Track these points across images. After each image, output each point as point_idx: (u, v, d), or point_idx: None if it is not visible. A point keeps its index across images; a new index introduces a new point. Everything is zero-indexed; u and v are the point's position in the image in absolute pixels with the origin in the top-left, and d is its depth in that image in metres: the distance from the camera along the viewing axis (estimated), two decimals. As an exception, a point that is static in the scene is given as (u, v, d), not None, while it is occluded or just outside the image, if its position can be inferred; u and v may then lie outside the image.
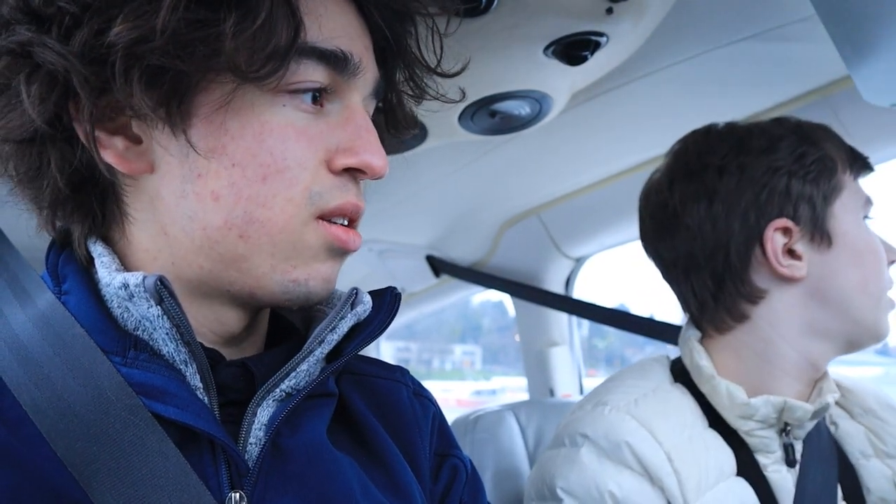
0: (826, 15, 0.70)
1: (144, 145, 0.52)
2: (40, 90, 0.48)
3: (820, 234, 0.86)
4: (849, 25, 0.70)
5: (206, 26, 0.47)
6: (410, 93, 0.63)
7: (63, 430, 0.47)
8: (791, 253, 0.86)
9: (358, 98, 0.56)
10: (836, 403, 0.93)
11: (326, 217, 0.54)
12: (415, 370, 0.74)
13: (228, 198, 0.51)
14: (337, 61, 0.53)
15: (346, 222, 0.56)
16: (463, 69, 0.63)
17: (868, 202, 0.90)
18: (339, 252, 0.56)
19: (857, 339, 0.89)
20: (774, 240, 0.86)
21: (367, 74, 0.56)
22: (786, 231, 0.86)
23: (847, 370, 0.98)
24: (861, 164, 0.91)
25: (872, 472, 0.88)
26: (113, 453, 0.47)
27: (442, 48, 0.61)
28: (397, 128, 0.65)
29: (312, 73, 0.52)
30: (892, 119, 1.06)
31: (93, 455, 0.47)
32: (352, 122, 0.55)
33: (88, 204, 0.55)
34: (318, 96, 0.53)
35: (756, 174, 0.87)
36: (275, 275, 0.53)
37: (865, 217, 0.90)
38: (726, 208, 0.88)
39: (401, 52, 0.60)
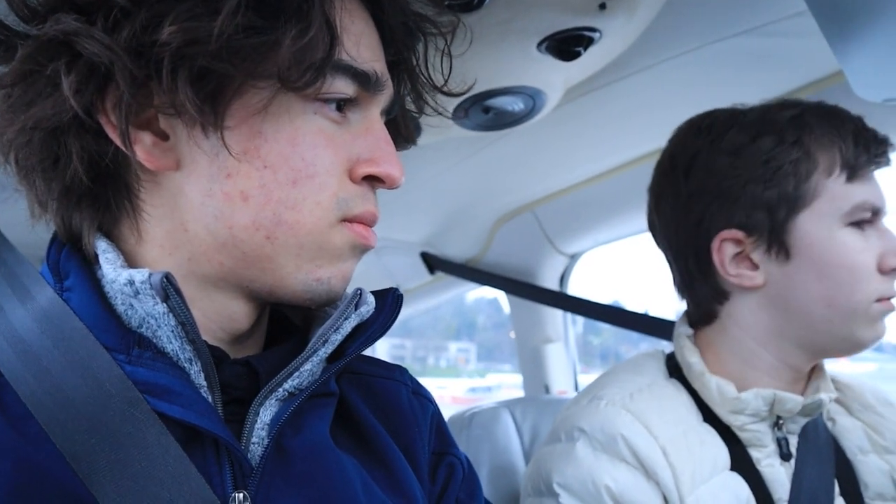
0: (818, 10, 0.70)
1: (171, 142, 0.52)
2: (77, 80, 0.48)
3: (777, 245, 0.83)
4: (840, 21, 0.70)
5: (259, 34, 0.48)
6: (413, 108, 0.66)
7: (62, 421, 0.47)
8: (750, 259, 0.85)
9: (377, 111, 0.58)
10: (835, 400, 0.92)
11: (348, 221, 0.56)
12: (409, 367, 0.74)
13: (258, 199, 0.51)
14: (367, 79, 0.54)
15: None
16: (468, 89, 0.66)
17: (859, 208, 0.82)
18: (361, 250, 0.57)
19: (829, 348, 0.85)
20: (722, 250, 0.85)
21: (388, 90, 0.58)
22: (737, 241, 0.84)
23: (841, 366, 0.98)
24: (864, 162, 0.83)
25: (870, 468, 0.88)
26: (112, 445, 0.47)
27: (451, 68, 0.63)
28: (397, 140, 0.66)
29: (344, 86, 0.54)
30: (883, 114, 1.06)
31: (92, 447, 0.47)
32: (372, 133, 0.56)
33: (103, 198, 0.55)
34: (343, 105, 0.55)
35: (714, 179, 0.85)
36: (299, 274, 0.54)
37: (856, 223, 0.82)
38: (685, 212, 0.88)
39: (408, 70, 0.62)
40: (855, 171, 0.82)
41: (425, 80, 0.63)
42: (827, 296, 0.82)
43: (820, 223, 0.82)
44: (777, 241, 0.83)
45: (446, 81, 0.64)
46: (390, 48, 0.60)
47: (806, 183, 0.82)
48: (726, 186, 0.84)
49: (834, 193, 0.82)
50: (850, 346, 0.84)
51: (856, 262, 0.81)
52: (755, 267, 0.85)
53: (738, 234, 0.84)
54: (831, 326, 0.83)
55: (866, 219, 0.83)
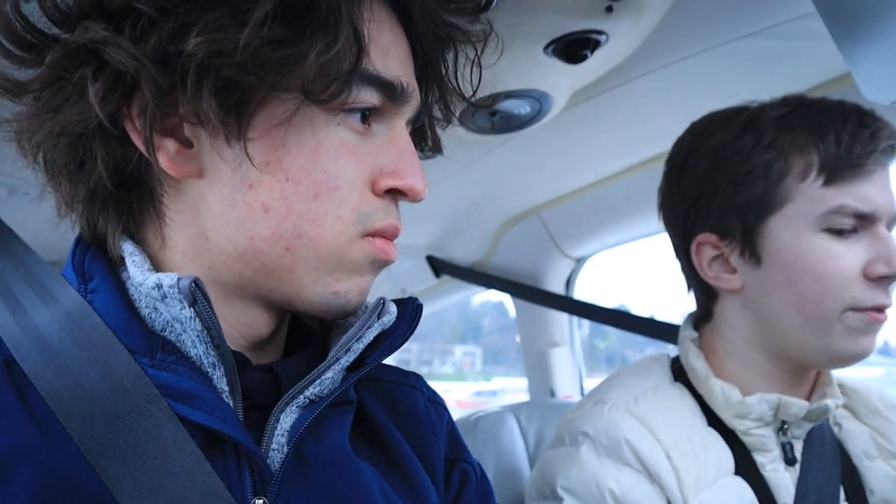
0: (826, 12, 0.69)
1: (195, 150, 0.52)
2: (103, 88, 0.48)
3: (749, 249, 0.82)
4: (849, 22, 0.70)
5: (285, 46, 0.48)
6: (439, 116, 0.65)
7: (79, 415, 0.48)
8: (729, 262, 0.85)
9: (402, 122, 0.57)
10: (842, 404, 0.91)
11: (370, 235, 0.55)
12: (415, 371, 0.75)
13: (279, 210, 0.51)
14: (393, 89, 0.54)
15: None
16: (496, 99, 0.64)
17: (834, 213, 0.77)
18: (381, 265, 0.57)
19: (806, 358, 0.83)
20: (701, 252, 0.86)
21: (414, 101, 0.57)
22: (714, 245, 0.85)
23: (847, 370, 0.97)
24: (846, 165, 0.77)
25: (876, 473, 0.87)
26: (129, 440, 0.47)
27: (480, 78, 0.62)
28: (423, 150, 0.67)
29: (369, 96, 0.53)
30: (893, 117, 1.06)
31: (109, 441, 0.47)
32: (396, 145, 0.56)
33: (127, 202, 0.55)
34: (368, 115, 0.54)
35: (696, 182, 0.85)
36: (317, 287, 0.54)
37: (835, 230, 0.78)
38: (674, 215, 0.90)
39: (437, 79, 0.62)
40: (834, 174, 0.78)
41: (453, 89, 0.62)
42: (796, 302, 0.80)
43: (790, 228, 0.79)
44: (749, 244, 0.82)
45: (475, 92, 0.63)
46: (419, 58, 0.59)
47: (777, 186, 0.79)
48: (704, 189, 0.85)
49: (807, 197, 0.79)
50: (827, 358, 0.81)
51: (826, 268, 0.78)
52: (733, 270, 0.85)
53: (712, 237, 0.85)
54: (805, 334, 0.80)
55: (846, 226, 0.78)
